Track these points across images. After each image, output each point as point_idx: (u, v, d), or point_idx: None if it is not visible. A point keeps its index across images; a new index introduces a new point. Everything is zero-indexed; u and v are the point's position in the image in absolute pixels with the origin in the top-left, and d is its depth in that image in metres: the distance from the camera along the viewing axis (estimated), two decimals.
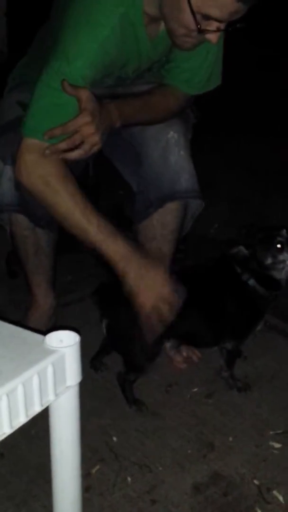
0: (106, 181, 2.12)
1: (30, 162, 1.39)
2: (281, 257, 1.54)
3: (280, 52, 5.01)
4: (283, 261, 1.55)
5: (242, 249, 1.57)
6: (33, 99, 1.37)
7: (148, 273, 1.41)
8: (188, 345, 1.74)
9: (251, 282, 1.58)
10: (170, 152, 1.60)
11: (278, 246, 1.53)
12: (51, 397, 0.75)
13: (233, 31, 1.36)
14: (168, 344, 1.62)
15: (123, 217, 2.02)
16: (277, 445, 1.47)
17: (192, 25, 1.31)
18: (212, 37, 1.34)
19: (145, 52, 1.45)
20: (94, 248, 1.41)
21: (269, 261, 1.54)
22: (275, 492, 1.34)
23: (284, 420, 1.55)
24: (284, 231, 1.55)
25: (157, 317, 1.42)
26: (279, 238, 1.54)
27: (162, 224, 1.66)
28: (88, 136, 1.36)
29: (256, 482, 1.37)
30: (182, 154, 1.62)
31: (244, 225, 1.64)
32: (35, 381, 0.72)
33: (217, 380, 1.69)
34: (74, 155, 1.38)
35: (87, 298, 2.09)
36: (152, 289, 1.41)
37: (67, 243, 1.88)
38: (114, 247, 1.40)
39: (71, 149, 1.38)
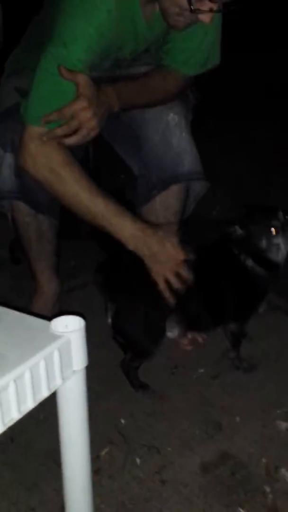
0: (107, 166, 2.11)
1: (34, 150, 1.39)
2: (275, 240, 1.54)
3: (279, 34, 4.96)
4: (277, 244, 1.54)
5: (237, 229, 1.57)
6: (33, 85, 1.36)
7: (160, 249, 1.44)
8: (192, 331, 1.74)
9: (249, 262, 1.58)
10: (171, 134, 1.60)
11: (272, 229, 1.53)
12: (58, 381, 0.76)
13: (227, 12, 1.35)
14: (171, 334, 1.61)
15: (125, 201, 2.01)
16: (284, 424, 1.48)
17: (185, 4, 1.30)
18: (205, 17, 1.33)
19: (141, 33, 1.44)
20: (104, 230, 1.43)
21: (263, 244, 1.54)
22: (283, 470, 1.35)
23: None
24: (281, 214, 1.54)
25: (174, 283, 1.47)
26: (273, 222, 1.53)
27: (165, 206, 1.66)
28: (85, 121, 1.36)
29: (264, 460, 1.38)
30: (184, 135, 1.61)
31: (246, 205, 1.63)
32: (42, 366, 0.73)
33: (223, 361, 1.70)
34: (72, 140, 1.38)
35: (90, 284, 2.09)
36: (166, 263, 1.45)
37: (70, 229, 1.89)
38: (123, 227, 1.42)
39: (69, 135, 1.37)
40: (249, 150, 3.16)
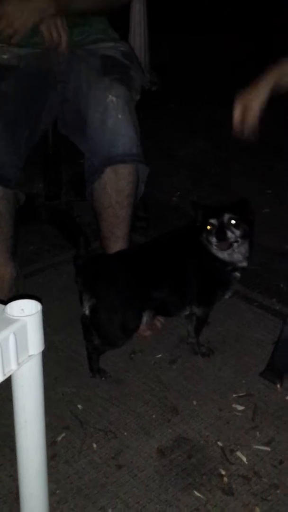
0: (67, 149, 2.08)
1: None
2: (210, 238, 1.54)
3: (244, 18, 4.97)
4: (211, 242, 1.55)
5: (201, 213, 1.58)
6: None
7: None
8: (162, 315, 1.74)
9: (211, 249, 1.59)
10: (108, 116, 1.59)
11: (208, 227, 1.54)
12: (13, 366, 0.75)
13: None
14: (144, 319, 1.61)
15: (83, 186, 1.99)
16: (240, 408, 1.50)
17: None
18: None
19: None
20: None
21: (204, 238, 1.56)
22: (238, 453, 1.37)
23: (246, 383, 1.58)
24: (227, 216, 1.53)
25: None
26: (211, 220, 1.53)
27: (116, 190, 1.65)
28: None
29: (219, 444, 1.40)
30: (120, 117, 1.60)
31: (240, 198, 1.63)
32: None
33: (181, 346, 1.71)
34: None
35: (49, 268, 2.08)
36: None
37: (30, 213, 1.86)
38: None
39: None
40: (212, 136, 3.16)
